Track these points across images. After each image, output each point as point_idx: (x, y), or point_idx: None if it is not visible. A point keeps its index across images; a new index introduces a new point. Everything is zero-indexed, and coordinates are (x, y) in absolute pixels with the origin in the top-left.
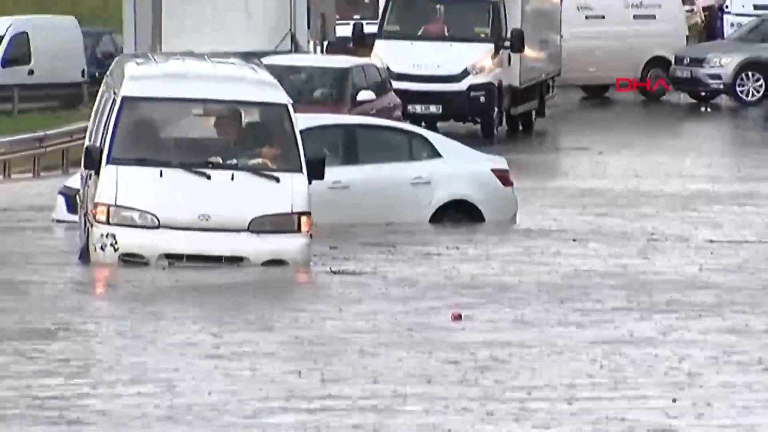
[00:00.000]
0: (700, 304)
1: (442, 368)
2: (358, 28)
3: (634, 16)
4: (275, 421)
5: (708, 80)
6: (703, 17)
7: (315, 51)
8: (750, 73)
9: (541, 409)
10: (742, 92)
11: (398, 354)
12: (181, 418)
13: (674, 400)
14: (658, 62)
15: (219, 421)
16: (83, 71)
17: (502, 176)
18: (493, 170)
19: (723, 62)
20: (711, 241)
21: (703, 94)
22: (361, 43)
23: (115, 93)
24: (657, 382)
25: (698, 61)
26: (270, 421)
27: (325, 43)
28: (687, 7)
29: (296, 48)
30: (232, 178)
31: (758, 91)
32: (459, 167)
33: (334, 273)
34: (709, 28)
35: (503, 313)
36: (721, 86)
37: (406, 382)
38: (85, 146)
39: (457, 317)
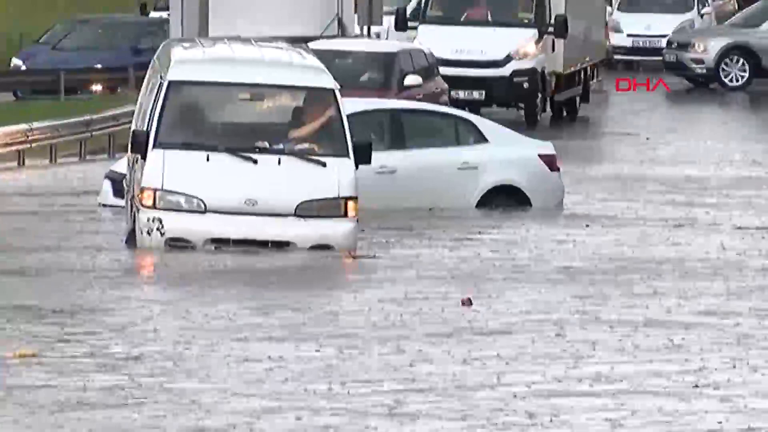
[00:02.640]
0: (736, 290)
1: (445, 355)
2: (400, 13)
3: None
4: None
5: (692, 65)
6: (736, 5)
7: (362, 35)
8: (734, 58)
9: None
10: (726, 77)
11: (402, 339)
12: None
13: (696, 385)
14: None
15: (245, 404)
16: None
17: (549, 161)
18: (540, 155)
19: (706, 46)
20: (739, 227)
21: (701, 80)
22: (402, 28)
23: (161, 77)
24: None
25: (684, 46)
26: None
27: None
28: None
29: (343, 32)
30: (279, 163)
31: (742, 76)
32: (506, 152)
33: (354, 258)
34: None
35: (518, 298)
36: (705, 71)
37: (407, 368)
38: (131, 130)
39: (467, 303)
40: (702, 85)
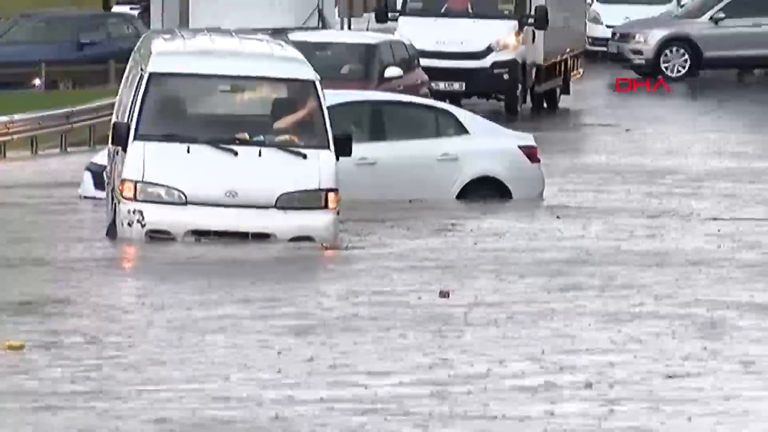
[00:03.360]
0: (710, 282)
1: (421, 345)
2: (381, 5)
3: None
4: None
5: (632, 56)
6: None
7: (342, 27)
8: (675, 49)
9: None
10: (667, 68)
11: (377, 332)
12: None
13: (670, 376)
14: None
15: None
16: None
17: (530, 153)
18: (520, 147)
19: (646, 38)
20: (715, 218)
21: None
22: (383, 20)
23: (142, 69)
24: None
25: (625, 37)
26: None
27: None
28: None
29: (323, 24)
30: (260, 155)
31: (683, 67)
32: (486, 144)
33: (326, 249)
34: None
35: (495, 290)
36: (644, 61)
37: (381, 360)
38: (112, 122)
39: (445, 295)
40: (648, 76)
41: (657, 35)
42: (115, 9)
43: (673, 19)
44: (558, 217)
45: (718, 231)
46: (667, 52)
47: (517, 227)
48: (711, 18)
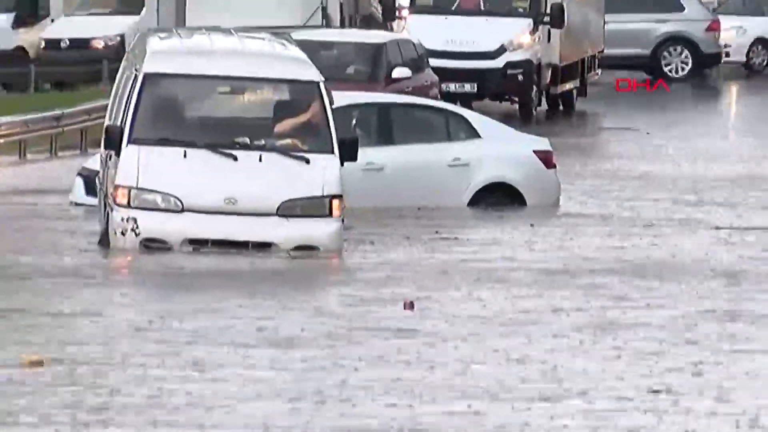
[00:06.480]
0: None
1: (380, 359)
2: (389, 1)
3: None
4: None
5: None
6: None
7: (346, 25)
8: None
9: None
10: None
11: (337, 343)
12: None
13: (656, 391)
14: None
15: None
16: None
17: (545, 158)
18: (535, 151)
19: None
20: (717, 227)
21: None
22: (391, 18)
23: (136, 69)
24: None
25: None
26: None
27: None
28: None
29: (328, 22)
30: (260, 160)
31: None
32: (499, 148)
33: (293, 258)
34: None
35: (463, 300)
36: None
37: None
38: (105, 125)
39: (410, 306)
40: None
41: None
42: None
43: None
44: (532, 225)
45: (725, 239)
46: None
47: (523, 236)
48: None
